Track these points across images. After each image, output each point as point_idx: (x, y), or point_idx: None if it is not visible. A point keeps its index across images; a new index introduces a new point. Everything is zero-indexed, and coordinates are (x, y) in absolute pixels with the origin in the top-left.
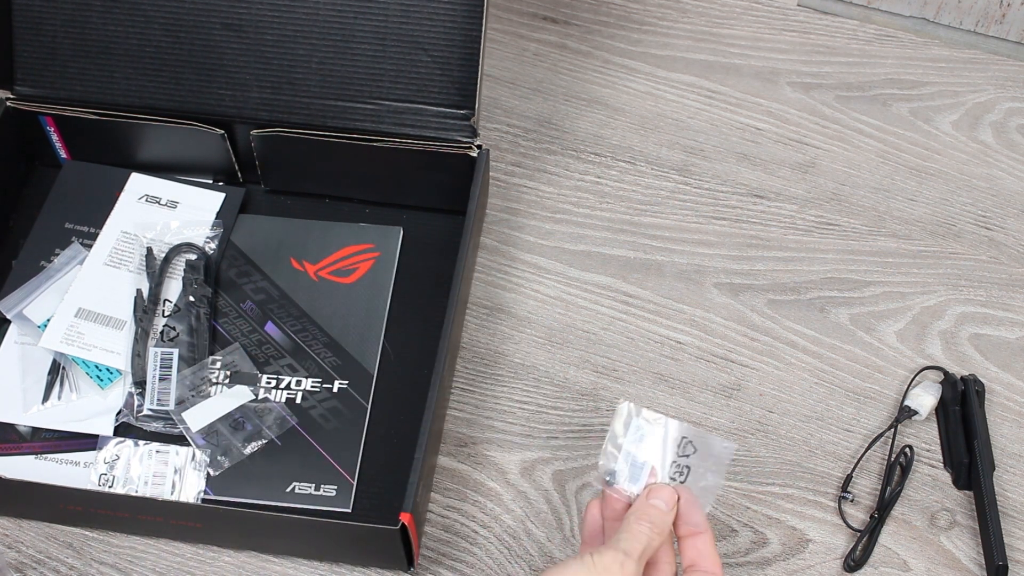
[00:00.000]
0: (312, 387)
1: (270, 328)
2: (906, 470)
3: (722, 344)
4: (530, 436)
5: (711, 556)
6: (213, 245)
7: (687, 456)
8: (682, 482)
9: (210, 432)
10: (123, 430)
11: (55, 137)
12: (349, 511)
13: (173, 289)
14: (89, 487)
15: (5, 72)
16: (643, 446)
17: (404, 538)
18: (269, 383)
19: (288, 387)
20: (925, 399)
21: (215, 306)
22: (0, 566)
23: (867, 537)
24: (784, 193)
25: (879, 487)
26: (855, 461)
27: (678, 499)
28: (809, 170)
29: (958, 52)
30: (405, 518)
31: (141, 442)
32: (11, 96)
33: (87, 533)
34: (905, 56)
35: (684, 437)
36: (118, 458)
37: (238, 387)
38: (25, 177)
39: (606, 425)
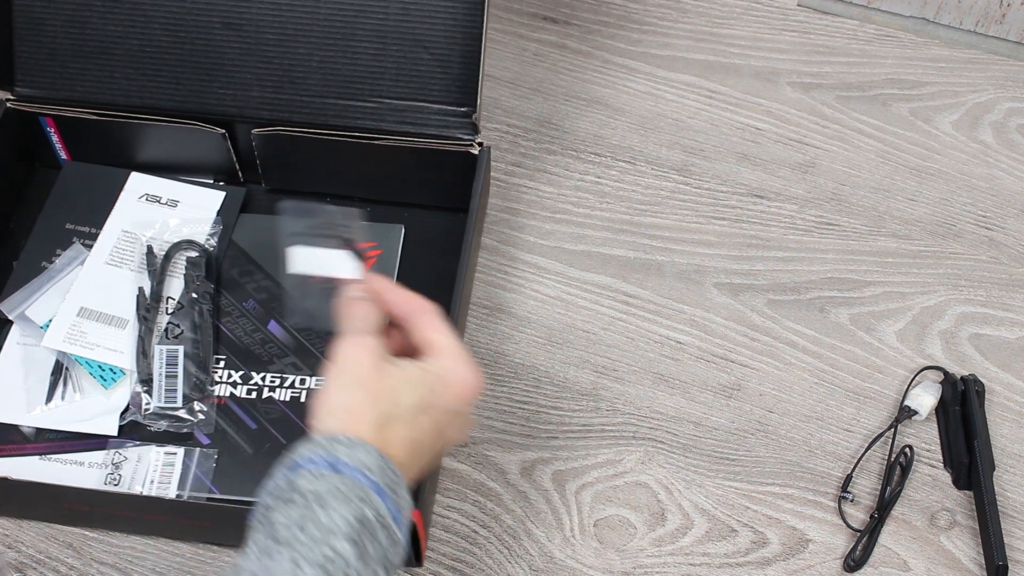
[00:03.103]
0: (316, 385)
1: (273, 327)
2: (906, 470)
3: (722, 344)
4: (530, 436)
5: (403, 296)
6: (213, 242)
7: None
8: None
9: (217, 431)
10: (128, 429)
11: (55, 138)
12: None
13: (175, 287)
14: (95, 487)
15: (5, 73)
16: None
17: (412, 535)
18: (273, 382)
19: (292, 385)
20: (925, 399)
21: (218, 304)
22: (0, 566)
23: (867, 537)
24: (784, 193)
25: (879, 487)
26: (855, 461)
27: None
28: (809, 170)
29: (958, 52)
30: (414, 515)
31: (146, 441)
32: (11, 97)
33: (87, 533)
34: (905, 56)
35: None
36: (124, 458)
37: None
38: (25, 178)
39: (606, 425)
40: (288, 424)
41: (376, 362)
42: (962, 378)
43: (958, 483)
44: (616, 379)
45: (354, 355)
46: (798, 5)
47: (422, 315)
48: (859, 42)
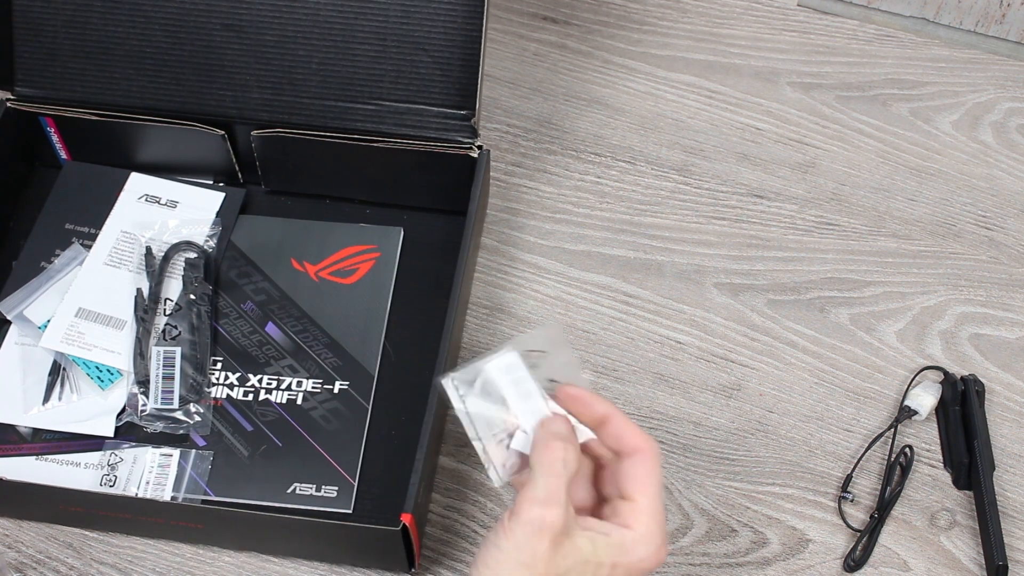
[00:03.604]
0: (313, 388)
1: (271, 329)
2: (906, 470)
3: (722, 344)
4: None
5: (629, 431)
6: (212, 244)
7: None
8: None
9: (213, 433)
10: (124, 431)
11: (55, 138)
12: (350, 512)
13: (173, 288)
14: (90, 488)
15: (5, 73)
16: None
17: (405, 539)
18: (270, 384)
19: (289, 388)
20: (925, 399)
21: (215, 306)
22: (0, 566)
23: (867, 537)
24: (784, 193)
25: (879, 487)
26: (855, 461)
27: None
28: (809, 170)
29: (958, 52)
30: (406, 519)
31: (142, 443)
32: (11, 97)
33: (87, 533)
34: (905, 56)
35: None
36: (120, 459)
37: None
38: (25, 178)
39: None
40: (284, 426)
41: (556, 540)
42: (962, 378)
43: (958, 483)
44: (616, 379)
45: (535, 532)
46: (798, 5)
47: (639, 461)
48: (859, 42)
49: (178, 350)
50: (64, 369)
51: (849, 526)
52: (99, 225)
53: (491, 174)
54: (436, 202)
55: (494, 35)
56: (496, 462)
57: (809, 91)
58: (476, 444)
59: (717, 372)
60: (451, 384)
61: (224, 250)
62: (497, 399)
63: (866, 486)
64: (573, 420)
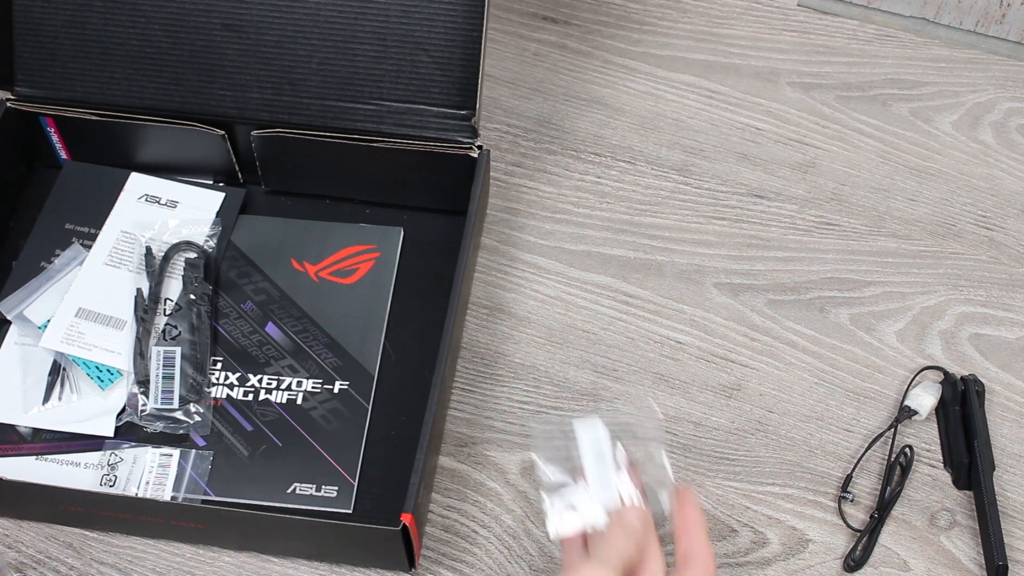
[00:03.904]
0: (313, 388)
1: (271, 329)
2: (906, 470)
3: (722, 344)
4: (530, 436)
5: (705, 548)
6: (212, 243)
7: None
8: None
9: (212, 432)
10: (124, 431)
11: (55, 138)
12: (350, 512)
13: (173, 288)
14: (90, 488)
15: (5, 73)
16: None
17: (405, 539)
18: (270, 384)
19: (289, 388)
20: (925, 399)
21: (215, 306)
22: (0, 566)
23: (867, 537)
24: (784, 193)
25: (879, 487)
26: (855, 461)
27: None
28: (809, 170)
29: (958, 52)
30: (406, 519)
31: (142, 443)
32: (11, 97)
33: (87, 533)
34: (905, 56)
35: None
36: (120, 459)
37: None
38: (25, 178)
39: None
40: (284, 426)
41: None
42: (962, 378)
43: (958, 483)
44: (616, 379)
45: None
46: (798, 5)
47: (699, 567)
48: (859, 42)
49: (178, 350)
50: (64, 369)
51: (849, 526)
52: (99, 225)
53: (491, 174)
54: (436, 202)
55: (494, 35)
56: (557, 516)
57: (809, 91)
58: (543, 494)
59: (717, 372)
60: (538, 430)
61: (224, 250)
62: (575, 458)
63: (866, 486)
64: (657, 487)
